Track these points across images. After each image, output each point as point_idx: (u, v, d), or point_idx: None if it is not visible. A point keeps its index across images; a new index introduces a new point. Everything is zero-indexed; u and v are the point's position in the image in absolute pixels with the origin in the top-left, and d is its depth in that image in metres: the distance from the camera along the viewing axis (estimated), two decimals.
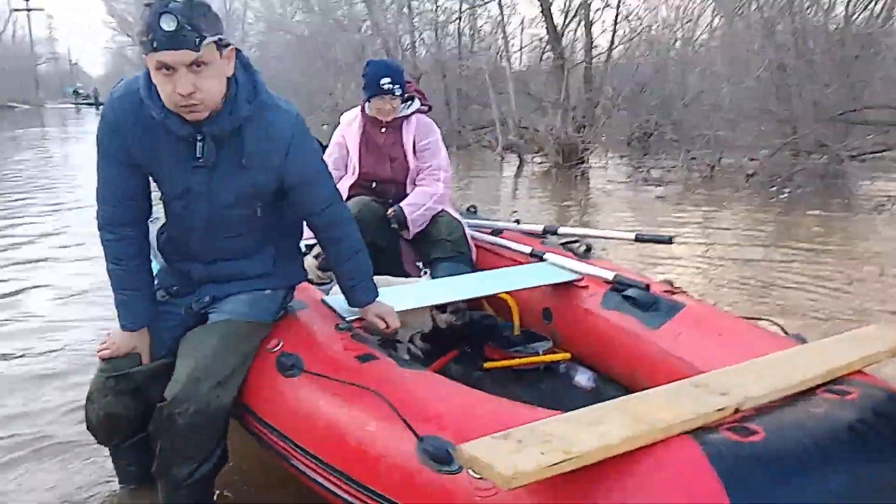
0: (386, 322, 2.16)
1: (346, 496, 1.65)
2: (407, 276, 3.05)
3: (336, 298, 2.26)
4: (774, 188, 8.88)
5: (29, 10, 54.55)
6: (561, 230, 3.10)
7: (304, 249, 2.39)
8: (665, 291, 2.43)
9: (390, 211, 2.99)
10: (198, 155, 1.82)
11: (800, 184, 8.89)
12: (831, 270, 5.02)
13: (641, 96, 13.46)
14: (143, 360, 2.00)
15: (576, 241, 3.00)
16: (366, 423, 1.65)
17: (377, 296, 2.19)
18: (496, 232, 3.28)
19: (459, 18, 16.30)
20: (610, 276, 2.56)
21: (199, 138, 1.80)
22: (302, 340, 2.02)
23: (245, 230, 2.01)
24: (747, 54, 11.05)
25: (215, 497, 2.09)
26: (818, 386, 1.55)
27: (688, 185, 9.54)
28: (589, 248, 2.91)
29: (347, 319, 2.17)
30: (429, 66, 16.63)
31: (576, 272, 2.69)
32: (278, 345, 2.00)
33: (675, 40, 13.99)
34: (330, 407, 1.75)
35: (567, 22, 12.75)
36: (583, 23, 12.26)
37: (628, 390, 2.41)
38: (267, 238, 2.08)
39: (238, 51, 1.82)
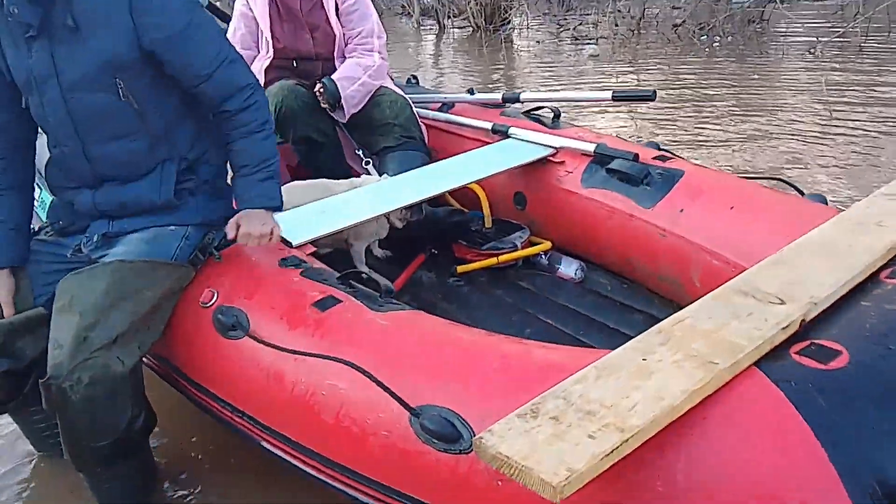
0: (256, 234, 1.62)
1: (329, 481, 1.32)
2: (349, 173, 2.63)
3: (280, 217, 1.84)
4: (704, 37, 8.59)
5: None
6: (524, 96, 2.67)
7: None
8: (656, 159, 2.11)
9: (318, 87, 2.49)
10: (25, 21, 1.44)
11: (728, 31, 8.63)
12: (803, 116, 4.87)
13: None
14: (4, 312, 1.58)
15: (541, 108, 2.61)
16: (341, 396, 1.27)
17: (273, 202, 1.66)
18: (446, 106, 2.83)
19: None
20: (589, 147, 2.21)
21: None
22: (241, 289, 1.58)
23: (122, 129, 1.55)
24: None
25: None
26: (880, 269, 1.24)
27: (617, 39, 9.11)
28: (558, 115, 2.53)
29: (295, 245, 1.76)
30: None
31: (548, 146, 2.32)
32: (213, 298, 1.58)
33: None
34: (293, 376, 1.36)
35: None
36: None
37: (621, 279, 2.16)
38: (161, 148, 1.61)
39: None
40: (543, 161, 2.30)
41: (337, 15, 2.58)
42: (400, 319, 1.39)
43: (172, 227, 1.61)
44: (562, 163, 2.27)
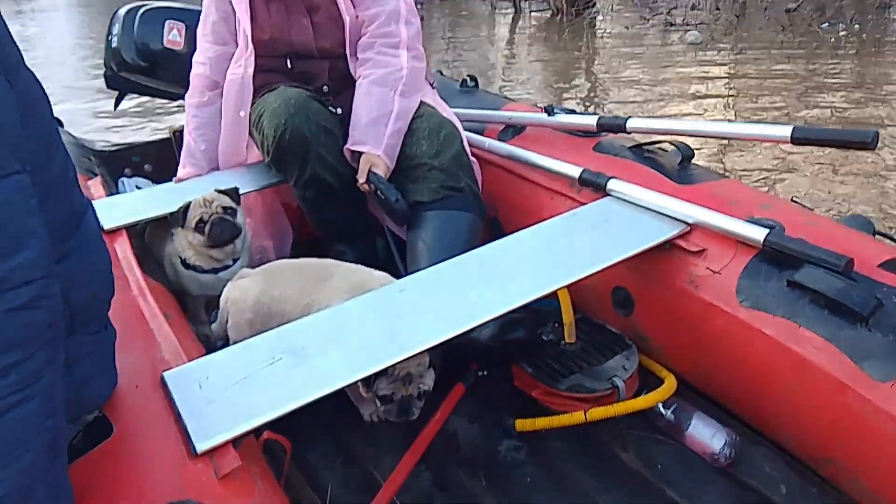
0: None
1: None
2: (369, 230, 1.79)
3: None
4: (826, 24, 7.31)
5: None
6: (632, 123, 1.69)
7: None
8: (888, 267, 1.17)
9: (362, 180, 1.66)
10: None
11: (855, 19, 7.30)
12: None
13: None
14: None
15: (657, 142, 1.69)
16: None
17: None
18: (513, 131, 1.93)
19: None
20: (754, 232, 1.28)
21: None
22: None
23: None
24: None
25: None
26: None
27: (719, 25, 7.91)
28: (688, 157, 1.59)
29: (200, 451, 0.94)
30: None
31: (675, 219, 1.41)
32: None
33: None
34: None
35: None
36: None
37: (807, 477, 1.24)
38: None
39: None
40: (667, 245, 1.39)
41: None
42: None
43: None
44: (700, 251, 1.35)
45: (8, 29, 0.80)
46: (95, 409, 1.01)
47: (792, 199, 1.48)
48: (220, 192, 1.69)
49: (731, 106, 4.64)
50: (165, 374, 1.09)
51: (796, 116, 4.34)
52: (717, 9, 8.51)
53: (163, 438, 0.98)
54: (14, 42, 0.80)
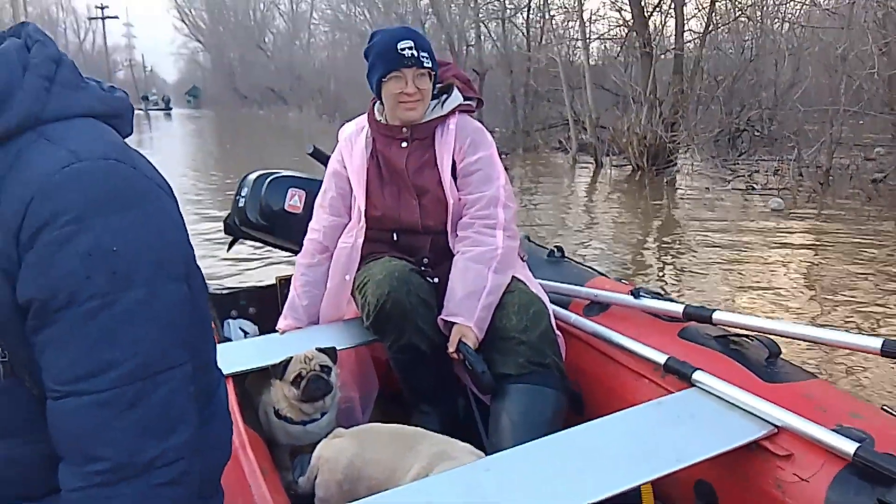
0: None
1: None
2: (455, 398, 1.87)
3: None
4: None
5: (104, 18, 56.07)
6: (718, 316, 1.75)
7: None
8: None
9: (452, 349, 1.78)
10: None
11: None
12: None
13: (736, 86, 11.75)
14: None
15: (743, 336, 1.72)
16: None
17: None
18: (598, 307, 2.02)
19: (529, 5, 14.87)
20: (844, 444, 1.29)
21: None
22: None
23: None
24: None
25: None
26: None
27: (800, 192, 7.93)
28: (775, 353, 1.62)
29: None
30: (494, 61, 15.37)
31: (761, 419, 1.43)
32: None
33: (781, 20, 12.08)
34: None
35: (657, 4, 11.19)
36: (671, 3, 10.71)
37: None
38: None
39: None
40: (753, 446, 1.40)
41: (453, 176, 1.92)
42: None
43: None
44: (788, 456, 1.35)
45: (187, 233, 0.96)
46: None
47: (882, 408, 1.47)
48: (320, 350, 1.82)
49: (813, 285, 4.58)
50: None
51: (885, 291, 4.24)
52: (800, 175, 8.56)
53: None
54: (191, 245, 0.96)
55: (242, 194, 2.47)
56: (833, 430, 1.32)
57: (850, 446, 1.27)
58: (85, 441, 0.81)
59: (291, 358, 1.79)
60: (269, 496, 1.31)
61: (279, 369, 1.79)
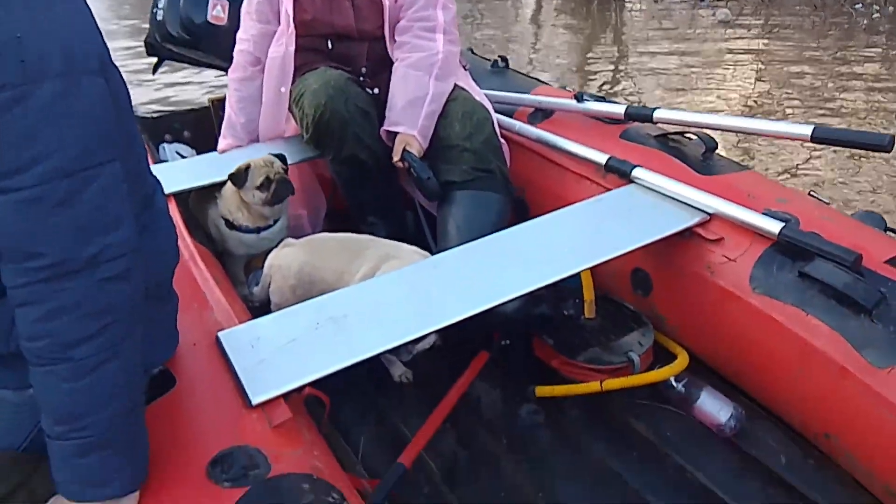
0: None
1: None
2: (401, 210, 1.88)
3: None
4: (859, 5, 7.20)
5: None
6: (659, 114, 1.76)
7: None
8: (890, 262, 1.25)
9: (397, 159, 1.75)
10: None
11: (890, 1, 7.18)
12: None
13: None
14: None
15: (684, 133, 1.76)
16: None
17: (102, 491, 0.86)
18: (542, 115, 2.00)
19: None
20: (769, 225, 1.36)
21: None
22: None
23: None
24: None
25: None
26: None
27: (749, 3, 7.80)
28: (711, 149, 1.67)
29: (254, 403, 1.05)
30: None
31: (695, 208, 1.49)
32: None
33: None
34: None
35: None
36: None
37: (806, 451, 1.34)
38: None
39: None
40: (686, 233, 1.48)
41: None
42: None
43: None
44: (718, 240, 1.43)
45: (99, 29, 0.89)
46: (160, 364, 1.12)
47: (809, 193, 1.54)
48: (273, 156, 1.79)
49: (757, 89, 4.64)
50: (220, 334, 1.19)
51: (826, 98, 4.33)
52: None
53: (220, 391, 1.08)
54: (104, 41, 0.89)
55: (159, 6, 2.27)
56: (762, 214, 1.39)
57: (775, 226, 1.35)
58: (23, 239, 0.79)
59: (250, 165, 1.76)
60: (225, 301, 1.34)
61: (241, 177, 1.75)
